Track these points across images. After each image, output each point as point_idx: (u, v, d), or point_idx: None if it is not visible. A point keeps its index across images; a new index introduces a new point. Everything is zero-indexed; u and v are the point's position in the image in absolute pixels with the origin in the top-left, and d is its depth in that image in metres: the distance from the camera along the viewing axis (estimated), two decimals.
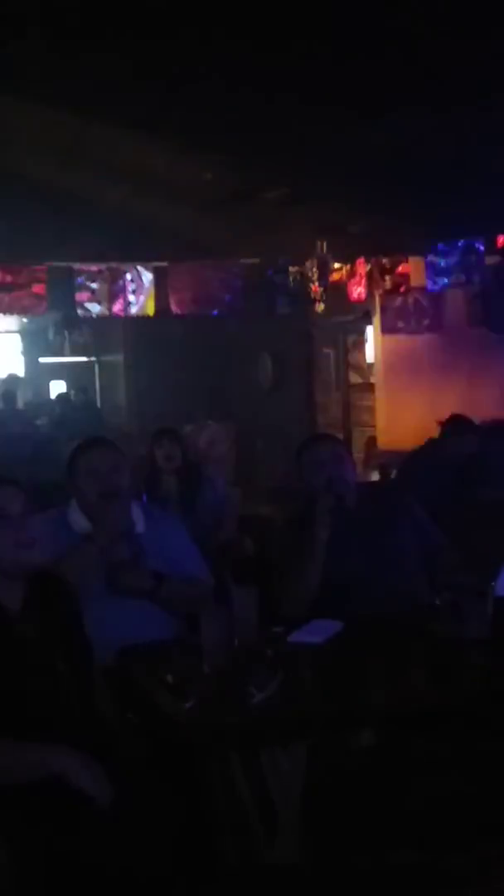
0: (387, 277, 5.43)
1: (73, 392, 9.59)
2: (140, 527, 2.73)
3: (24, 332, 10.68)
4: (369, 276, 5.45)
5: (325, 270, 5.19)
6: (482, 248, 5.26)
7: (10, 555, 1.98)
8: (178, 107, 3.27)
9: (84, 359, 10.56)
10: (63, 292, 5.21)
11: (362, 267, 5.50)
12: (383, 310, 6.31)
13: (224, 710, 2.11)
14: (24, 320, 9.64)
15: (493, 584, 2.48)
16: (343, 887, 2.10)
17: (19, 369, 10.55)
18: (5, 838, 1.78)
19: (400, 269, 5.51)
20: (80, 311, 5.36)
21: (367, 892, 2.09)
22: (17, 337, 10.75)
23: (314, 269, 5.15)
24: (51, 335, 10.23)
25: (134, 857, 1.80)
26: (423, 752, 2.32)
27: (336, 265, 5.44)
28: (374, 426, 6.66)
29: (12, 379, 9.48)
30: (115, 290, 5.31)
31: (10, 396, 8.74)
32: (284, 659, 2.30)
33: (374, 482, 5.72)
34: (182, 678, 2.22)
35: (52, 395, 10.24)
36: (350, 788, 2.27)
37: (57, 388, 10.28)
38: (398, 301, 5.92)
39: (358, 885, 2.10)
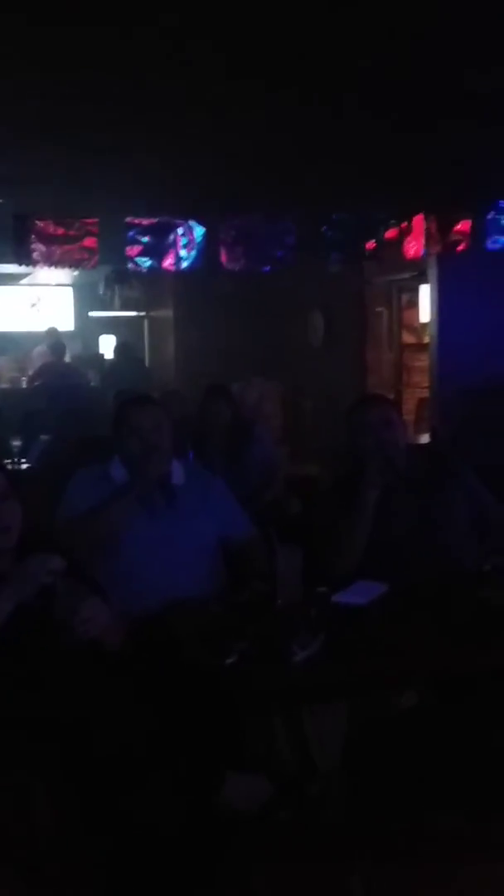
0: (445, 235, 5.26)
1: (115, 347, 9.57)
2: (178, 480, 2.79)
3: (75, 286, 10.67)
4: (427, 233, 5.29)
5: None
6: None
7: None
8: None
9: (134, 314, 10.54)
10: (114, 246, 5.16)
11: (420, 223, 5.33)
12: (441, 269, 6.12)
13: (266, 667, 2.10)
14: (75, 273, 9.61)
15: None
16: (382, 850, 2.08)
17: (69, 323, 10.57)
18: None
19: (459, 226, 5.34)
20: (130, 266, 5.31)
21: (405, 854, 2.07)
22: (70, 290, 10.74)
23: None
24: (101, 289, 10.21)
25: None
26: (466, 715, 2.32)
27: (392, 220, 5.30)
28: (426, 387, 6.53)
29: (58, 333, 9.47)
30: (166, 245, 5.24)
31: (58, 349, 8.76)
32: (328, 619, 2.29)
33: (425, 444, 5.65)
34: (224, 633, 2.22)
35: (101, 350, 10.26)
36: (391, 749, 2.28)
37: (106, 342, 10.29)
38: (458, 260, 5.71)
39: (397, 848, 2.09)
